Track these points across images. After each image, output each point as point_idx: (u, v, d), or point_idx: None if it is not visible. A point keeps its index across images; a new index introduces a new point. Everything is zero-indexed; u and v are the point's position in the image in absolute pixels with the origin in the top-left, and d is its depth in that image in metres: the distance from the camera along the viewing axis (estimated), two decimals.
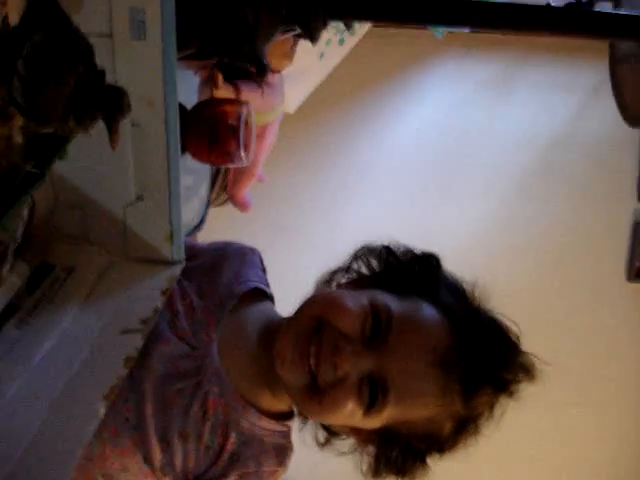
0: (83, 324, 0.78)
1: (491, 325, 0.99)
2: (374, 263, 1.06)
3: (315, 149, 2.52)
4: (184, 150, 1.05)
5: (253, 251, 1.15)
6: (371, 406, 0.91)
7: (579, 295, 2.55)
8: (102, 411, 0.65)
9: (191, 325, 0.99)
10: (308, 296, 1.02)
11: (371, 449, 1.02)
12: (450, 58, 2.59)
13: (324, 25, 0.96)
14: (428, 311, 0.95)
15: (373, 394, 0.90)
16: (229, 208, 1.67)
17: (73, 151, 0.75)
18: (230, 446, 0.99)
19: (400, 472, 1.00)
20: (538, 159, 2.60)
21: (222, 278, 1.05)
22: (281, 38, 1.14)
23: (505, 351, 0.98)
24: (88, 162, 0.84)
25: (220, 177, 1.67)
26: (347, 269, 1.07)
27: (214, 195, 1.69)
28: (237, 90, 1.41)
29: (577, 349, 2.47)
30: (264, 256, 1.17)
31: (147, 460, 0.95)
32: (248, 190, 1.69)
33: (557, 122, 2.60)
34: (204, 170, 1.56)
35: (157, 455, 0.95)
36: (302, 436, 1.05)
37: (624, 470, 2.60)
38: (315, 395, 0.91)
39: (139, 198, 0.85)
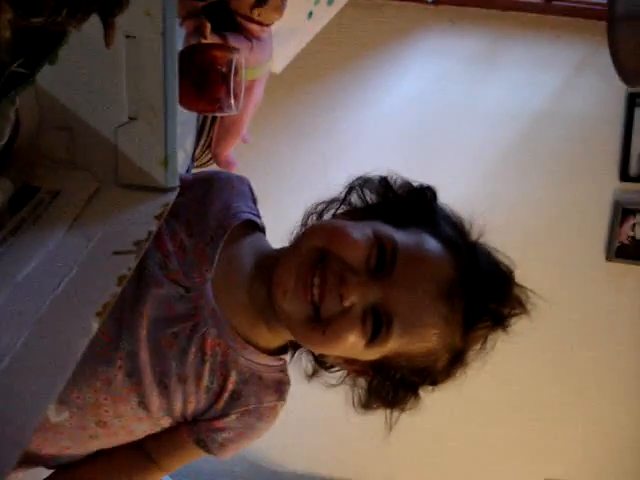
0: (71, 245, 0.72)
1: (489, 258, 0.98)
2: (370, 195, 1.03)
3: (299, 113, 2.48)
4: None
5: (242, 180, 1.10)
6: (374, 338, 0.89)
7: (559, 273, 2.54)
8: (95, 327, 0.60)
9: (183, 266, 0.94)
10: (309, 226, 0.99)
11: (362, 381, 1.01)
12: (435, 31, 2.57)
13: None
14: (432, 243, 0.93)
15: (377, 326, 0.88)
16: (213, 168, 1.63)
17: (62, 67, 0.70)
18: (230, 385, 0.97)
19: (391, 404, 1.00)
20: (521, 136, 2.59)
21: (211, 212, 1.00)
22: None
23: (503, 285, 0.97)
24: (77, 79, 0.78)
25: (204, 135, 1.62)
26: (342, 200, 1.04)
27: (198, 153, 1.64)
28: (225, 41, 1.36)
29: (555, 326, 2.46)
30: None
31: (142, 405, 0.93)
32: (232, 150, 1.64)
33: (540, 98, 2.59)
34: (190, 123, 1.50)
35: (154, 400, 0.93)
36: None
37: None
38: (318, 326, 0.89)
39: (132, 118, 0.79)
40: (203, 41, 1.29)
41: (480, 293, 0.93)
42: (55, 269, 0.68)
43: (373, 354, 0.93)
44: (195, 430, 1.00)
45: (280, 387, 1.02)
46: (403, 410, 1.01)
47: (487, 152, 2.57)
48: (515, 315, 0.97)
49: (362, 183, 1.04)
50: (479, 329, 0.95)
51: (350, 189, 1.05)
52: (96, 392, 0.91)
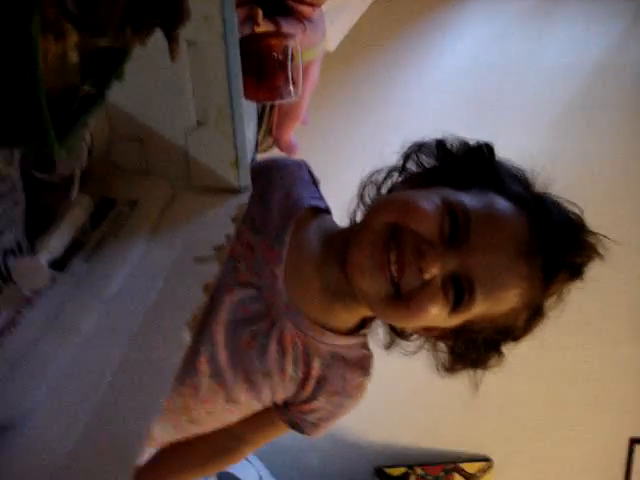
0: (154, 256, 0.74)
1: (559, 209, 0.96)
2: (427, 159, 1.01)
3: (355, 86, 2.45)
4: None
5: (299, 165, 1.09)
6: (457, 305, 0.88)
7: (626, 231, 2.48)
8: (187, 338, 0.61)
9: (253, 266, 0.95)
10: (377, 202, 0.98)
11: (442, 345, 1.01)
12: None
13: None
14: (501, 203, 0.91)
15: (458, 293, 0.88)
16: (275, 152, 1.63)
17: (126, 79, 0.71)
18: (315, 372, 0.98)
19: (476, 364, 1.00)
20: (581, 90, 2.52)
21: (273, 206, 1.00)
22: None
23: (576, 234, 0.95)
24: (143, 89, 0.79)
25: (265, 120, 1.62)
26: (400, 168, 1.02)
27: (260, 139, 1.64)
28: (278, 26, 1.35)
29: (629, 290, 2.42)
30: None
31: (230, 401, 0.94)
32: (293, 133, 1.65)
33: (600, 50, 2.50)
34: (250, 110, 1.50)
35: (242, 395, 0.95)
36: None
37: None
38: (400, 302, 0.88)
39: (200, 123, 0.80)
40: (256, 28, 1.29)
41: (556, 246, 0.91)
42: (142, 282, 0.70)
43: (456, 321, 0.92)
44: (287, 413, 1.02)
45: (364, 363, 1.03)
46: (487, 369, 1.01)
47: (548, 110, 2.51)
48: (590, 261, 0.96)
49: (418, 148, 1.03)
50: (558, 282, 0.94)
51: (407, 156, 1.03)
52: (184, 398, 0.93)
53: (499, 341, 0.99)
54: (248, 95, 1.15)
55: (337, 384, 1.00)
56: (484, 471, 2.66)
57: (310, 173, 1.09)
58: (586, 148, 2.48)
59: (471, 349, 0.99)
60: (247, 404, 0.99)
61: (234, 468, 2.42)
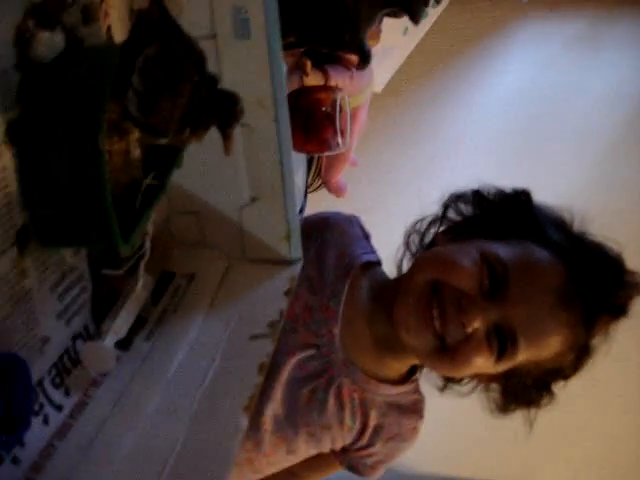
0: (211, 332, 0.77)
1: (597, 250, 0.99)
2: (465, 209, 1.05)
3: (402, 126, 2.48)
4: None
5: (351, 221, 1.14)
6: (501, 355, 0.92)
7: None
8: (245, 423, 0.64)
9: (311, 325, 0.99)
10: (418, 259, 1.01)
11: (494, 386, 1.05)
12: (533, 20, 2.52)
13: (426, 4, 0.93)
14: (538, 253, 0.95)
15: (502, 342, 0.91)
16: (323, 192, 1.66)
17: (185, 157, 0.75)
18: (372, 422, 1.02)
19: (529, 403, 1.03)
20: (630, 117, 2.51)
21: (328, 265, 1.04)
22: None
23: (615, 274, 0.98)
24: (200, 167, 0.83)
25: (314, 163, 1.65)
26: (441, 219, 1.06)
27: (310, 180, 1.67)
28: (326, 75, 1.38)
29: None
30: None
31: (291, 452, 0.98)
32: (341, 175, 1.67)
33: None
34: (300, 158, 1.54)
35: (302, 446, 0.99)
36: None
37: None
38: (446, 354, 0.93)
39: (254, 199, 0.84)
40: (305, 78, 1.32)
41: (594, 289, 0.94)
42: (199, 360, 0.73)
43: (502, 368, 0.96)
44: (346, 458, 1.07)
45: (417, 407, 1.07)
46: (539, 407, 1.04)
47: (597, 136, 2.50)
48: (632, 299, 0.98)
49: (456, 199, 1.06)
50: (601, 323, 0.97)
51: (446, 206, 1.06)
52: (247, 452, 0.97)
53: (549, 382, 1.02)
54: (296, 147, 1.18)
55: (393, 430, 1.04)
56: None
57: (362, 228, 1.13)
58: (635, 178, 2.46)
59: (522, 390, 1.02)
60: (307, 452, 1.02)
61: None
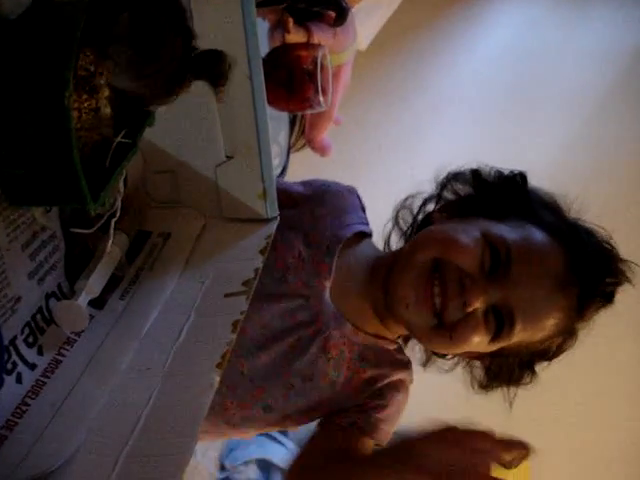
0: (186, 290, 0.78)
1: (592, 238, 1.01)
2: (462, 189, 1.05)
3: (388, 84, 2.46)
4: None
5: (350, 191, 1.14)
6: (498, 335, 0.93)
7: None
8: (217, 380, 0.65)
9: (303, 276, 1.00)
10: (419, 236, 1.02)
11: (478, 364, 1.07)
12: None
13: None
14: (539, 236, 0.96)
15: (499, 323, 0.92)
16: (307, 152, 1.65)
17: (159, 118, 0.74)
18: (363, 375, 1.02)
19: (510, 383, 1.05)
20: (618, 74, 2.49)
21: (326, 223, 1.05)
22: None
23: (610, 264, 1.00)
24: (174, 125, 0.82)
25: (297, 122, 1.65)
26: (437, 197, 1.06)
27: (293, 140, 1.67)
28: (309, 32, 1.36)
29: None
30: None
31: (267, 409, 0.98)
32: (326, 133, 1.66)
33: (637, 40, 2.47)
34: (282, 117, 1.53)
35: (280, 400, 0.98)
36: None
37: None
38: (444, 332, 0.93)
39: (229, 157, 0.83)
40: (286, 36, 1.31)
41: (591, 276, 0.96)
42: (174, 317, 0.74)
43: (495, 347, 0.97)
44: (345, 417, 1.02)
45: (403, 363, 1.07)
46: (520, 386, 1.06)
47: (586, 95, 2.48)
48: (620, 286, 1.00)
49: (453, 177, 1.07)
50: (593, 309, 0.99)
51: (443, 185, 1.07)
52: (222, 396, 0.97)
53: (533, 362, 1.04)
54: (279, 106, 1.17)
55: (384, 380, 1.04)
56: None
57: (359, 199, 1.14)
58: (620, 136, 2.45)
59: (506, 369, 1.05)
60: (285, 409, 1.01)
61: (270, 453, 2.48)
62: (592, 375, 2.49)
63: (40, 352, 0.67)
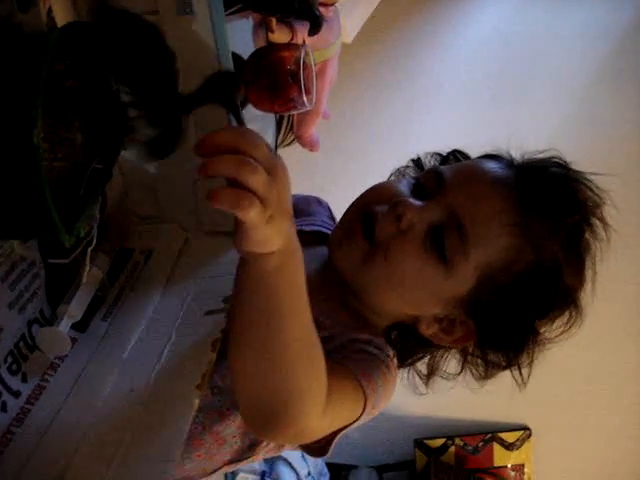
0: (167, 309, 0.79)
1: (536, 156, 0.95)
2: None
3: (376, 74, 2.45)
4: (246, 101, 1.04)
5: (319, 202, 1.14)
6: (452, 256, 0.85)
7: None
8: (196, 403, 0.66)
9: None
10: None
11: (472, 349, 0.95)
12: None
13: None
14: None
15: (441, 246, 0.85)
16: (296, 147, 1.66)
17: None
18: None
19: (510, 363, 0.93)
20: (609, 53, 2.48)
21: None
22: None
23: (550, 171, 0.91)
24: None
25: (285, 119, 1.65)
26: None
27: (281, 138, 1.67)
28: (293, 30, 1.37)
29: None
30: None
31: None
32: (314, 129, 1.67)
33: (626, 19, 2.45)
34: (268, 116, 1.54)
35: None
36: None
37: None
38: (378, 252, 0.87)
39: None
40: (270, 35, 1.31)
41: (528, 181, 0.88)
42: (155, 338, 0.75)
43: (461, 283, 0.87)
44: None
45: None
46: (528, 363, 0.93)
47: (577, 77, 2.47)
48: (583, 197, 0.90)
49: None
50: (547, 225, 0.87)
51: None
52: None
53: (528, 319, 0.90)
54: (264, 108, 1.18)
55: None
56: (523, 440, 2.69)
57: (329, 209, 1.14)
58: (613, 116, 2.44)
59: (500, 332, 0.91)
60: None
61: None
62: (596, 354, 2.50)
63: (24, 379, 0.69)
